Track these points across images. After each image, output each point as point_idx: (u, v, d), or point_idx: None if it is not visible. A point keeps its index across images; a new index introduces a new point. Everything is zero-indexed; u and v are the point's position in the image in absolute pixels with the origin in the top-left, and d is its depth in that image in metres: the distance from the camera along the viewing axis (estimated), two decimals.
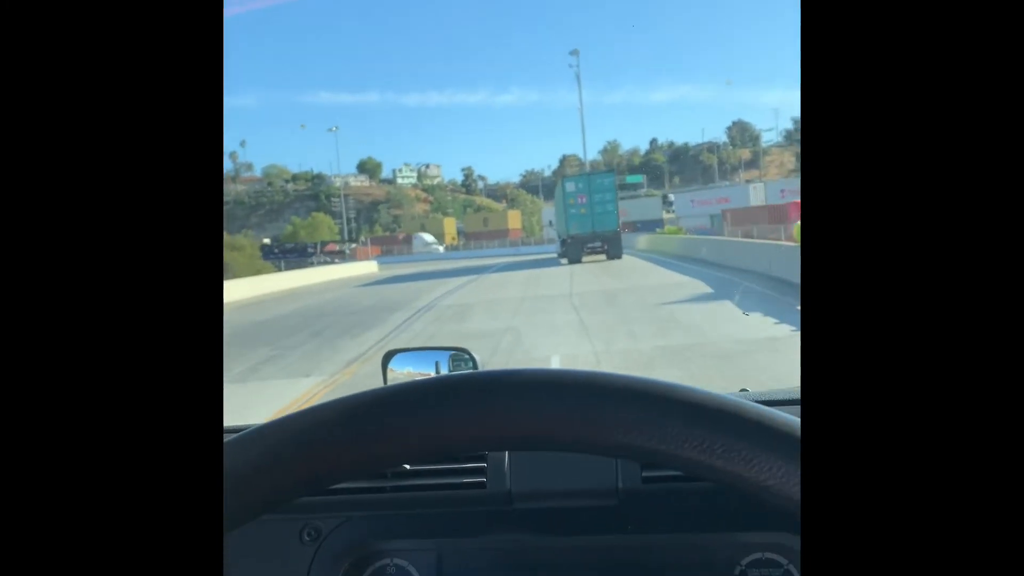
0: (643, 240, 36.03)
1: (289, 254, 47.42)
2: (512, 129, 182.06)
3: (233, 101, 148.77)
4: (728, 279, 15.46)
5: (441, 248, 60.65)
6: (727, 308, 11.27)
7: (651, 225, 59.25)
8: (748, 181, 74.19)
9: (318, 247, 57.21)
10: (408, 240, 68.59)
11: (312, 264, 41.76)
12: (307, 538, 0.99)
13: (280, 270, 35.66)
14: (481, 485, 0.95)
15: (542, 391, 0.41)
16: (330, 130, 79.34)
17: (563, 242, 27.20)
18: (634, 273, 20.32)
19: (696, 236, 30.25)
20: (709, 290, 13.95)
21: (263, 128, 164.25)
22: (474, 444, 0.42)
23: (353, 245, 58.56)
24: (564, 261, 25.47)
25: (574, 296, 15.02)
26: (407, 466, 0.97)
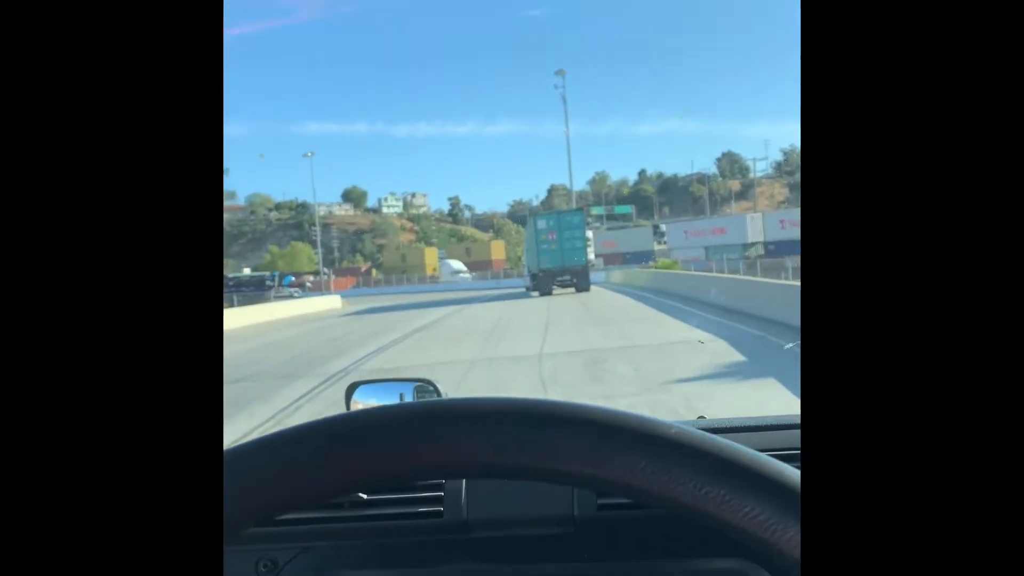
0: (638, 275, 30.79)
1: (244, 287, 42.60)
2: (500, 159, 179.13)
3: (234, 131, 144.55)
4: (763, 338, 10.97)
5: (470, 277, 51.16)
6: (778, 392, 6.80)
7: (642, 257, 54.96)
8: (745, 211, 70.36)
9: (276, 279, 52.46)
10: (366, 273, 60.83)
11: (269, 299, 37.04)
12: (263, 569, 0.97)
13: (232, 306, 30.90)
14: (438, 514, 0.96)
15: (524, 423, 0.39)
16: (305, 155, 75.17)
17: (533, 276, 27.97)
18: (627, 321, 15.75)
19: (701, 273, 25.31)
20: (741, 358, 9.36)
21: (249, 156, 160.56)
22: (436, 472, 0.41)
23: (327, 275, 53.59)
24: (535, 294, 26.06)
25: (545, 358, 10.37)
26: (363, 495, 0.96)
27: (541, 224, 26.31)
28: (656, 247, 55.84)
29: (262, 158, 71.68)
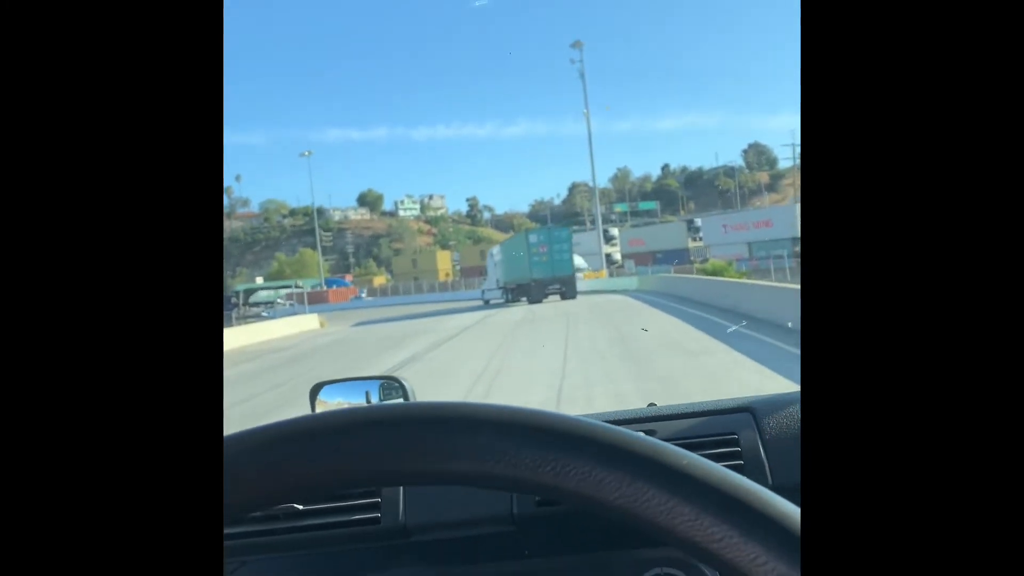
0: (682, 284, 23.43)
1: None
2: (520, 159, 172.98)
3: (239, 138, 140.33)
4: None
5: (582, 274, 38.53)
6: None
7: (674, 256, 47.97)
8: (776, 204, 63.12)
9: (240, 296, 46.14)
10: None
11: (231, 321, 30.36)
12: None
13: None
14: (375, 520, 0.94)
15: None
16: (302, 155, 68.72)
17: (506, 289, 30.29)
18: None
19: (783, 285, 18.40)
20: None
21: (266, 164, 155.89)
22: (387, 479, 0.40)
23: (300, 289, 46.60)
24: (523, 300, 28.29)
25: None
26: (298, 506, 0.94)
27: (533, 239, 28.78)
28: (690, 244, 48.86)
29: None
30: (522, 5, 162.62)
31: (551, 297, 27.66)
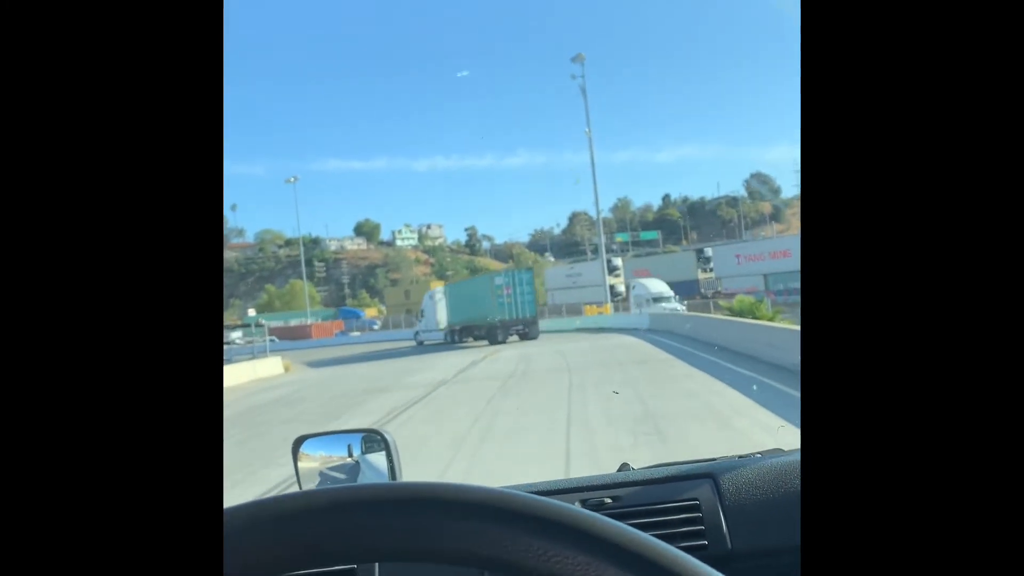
0: (711, 327, 19.57)
1: None
2: (520, 189, 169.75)
3: (237, 168, 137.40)
4: None
5: (681, 307, 32.82)
6: None
7: (683, 288, 44.03)
8: (780, 234, 59.46)
9: None
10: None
11: None
12: None
13: None
14: None
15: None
16: (288, 181, 64.95)
17: (451, 331, 30.82)
18: None
19: None
20: None
21: (265, 192, 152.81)
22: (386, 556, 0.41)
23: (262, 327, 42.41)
24: (485, 343, 28.18)
25: None
26: None
27: (499, 281, 29.06)
28: (700, 275, 44.92)
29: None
30: (522, 36, 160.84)
31: (515, 338, 28.18)
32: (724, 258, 43.35)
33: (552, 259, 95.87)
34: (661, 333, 23.03)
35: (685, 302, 32.43)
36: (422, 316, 33.62)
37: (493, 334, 27.77)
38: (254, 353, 26.28)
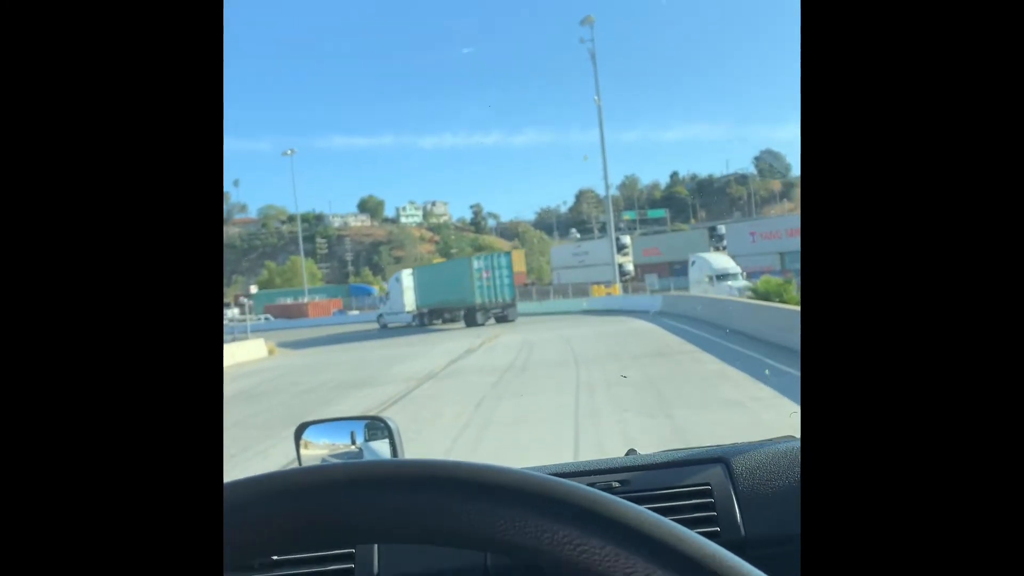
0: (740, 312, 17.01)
1: None
2: (527, 167, 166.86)
3: (243, 144, 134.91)
4: None
5: (747, 285, 27.77)
6: None
7: None
8: (790, 212, 56.97)
9: None
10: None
11: None
12: None
13: None
14: (349, 572, 0.93)
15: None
16: (284, 154, 62.54)
17: (419, 314, 31.51)
18: None
19: None
20: None
21: (270, 168, 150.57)
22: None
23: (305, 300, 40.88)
24: (470, 325, 28.15)
25: None
26: (274, 556, 0.92)
27: (477, 264, 28.91)
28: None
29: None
30: (530, 13, 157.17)
31: (492, 321, 28.11)
32: (738, 236, 40.96)
33: (558, 238, 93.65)
34: (676, 317, 20.66)
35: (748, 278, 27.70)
36: (387, 299, 34.00)
37: (472, 316, 28.00)
38: (235, 334, 24.25)
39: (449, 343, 19.51)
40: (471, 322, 27.95)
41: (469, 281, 28.56)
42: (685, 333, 16.18)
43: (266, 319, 43.81)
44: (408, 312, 31.71)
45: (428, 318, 30.73)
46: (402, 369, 13.84)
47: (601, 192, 53.04)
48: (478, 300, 28.17)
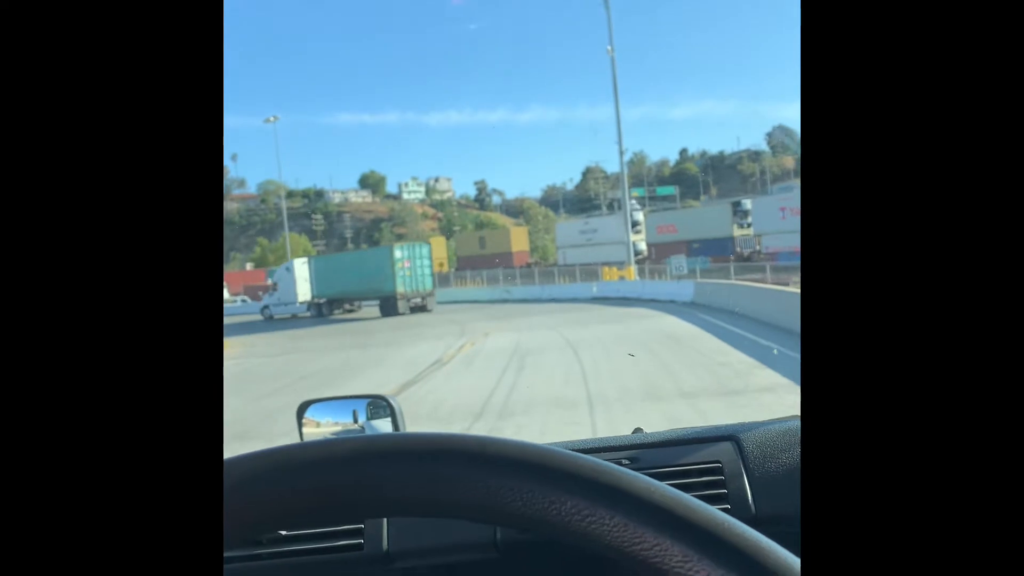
0: None
1: None
2: (533, 143, 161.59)
3: (245, 120, 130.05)
4: None
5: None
6: None
7: (715, 246, 37.03)
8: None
9: None
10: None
11: None
12: None
13: None
14: (358, 547, 0.92)
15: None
16: (267, 120, 57.61)
17: (316, 304, 31.18)
18: None
19: None
20: None
21: (273, 143, 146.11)
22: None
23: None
24: (385, 317, 27.60)
25: None
26: (282, 531, 0.91)
27: (398, 254, 28.73)
28: (736, 231, 37.87)
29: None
30: None
31: (418, 312, 27.68)
32: (766, 211, 35.94)
33: (565, 215, 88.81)
34: (716, 312, 15.52)
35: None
36: (274, 289, 32.71)
37: (390, 305, 27.83)
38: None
39: (424, 345, 14.87)
40: (389, 311, 27.81)
41: (390, 270, 28.42)
42: (742, 343, 10.97)
43: (243, 301, 39.35)
44: (302, 303, 31.23)
45: (327, 308, 30.57)
46: (356, 384, 9.28)
47: (608, 169, 48.42)
48: (400, 289, 28.04)
